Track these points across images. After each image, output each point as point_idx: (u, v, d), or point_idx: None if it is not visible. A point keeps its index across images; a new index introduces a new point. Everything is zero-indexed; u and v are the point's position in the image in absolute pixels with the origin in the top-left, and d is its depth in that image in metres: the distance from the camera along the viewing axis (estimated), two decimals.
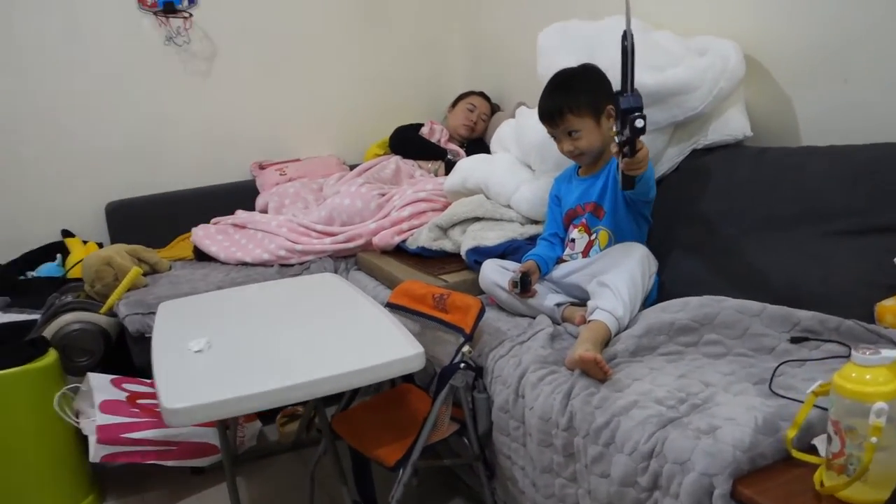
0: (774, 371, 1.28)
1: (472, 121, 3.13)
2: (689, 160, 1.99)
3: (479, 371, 1.63)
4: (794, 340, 1.38)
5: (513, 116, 2.78)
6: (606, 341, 1.49)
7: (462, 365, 1.58)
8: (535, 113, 2.14)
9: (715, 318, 1.44)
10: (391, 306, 1.86)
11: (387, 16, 3.39)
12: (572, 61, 2.10)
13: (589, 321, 1.51)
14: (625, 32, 1.33)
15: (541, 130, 2.07)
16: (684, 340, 1.46)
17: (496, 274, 1.86)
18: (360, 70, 3.37)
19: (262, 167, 3.14)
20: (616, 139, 1.40)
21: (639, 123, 1.32)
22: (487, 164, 2.27)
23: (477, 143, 3.15)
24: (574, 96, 1.74)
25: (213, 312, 1.86)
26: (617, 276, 1.55)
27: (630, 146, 1.38)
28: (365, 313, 1.75)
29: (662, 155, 2.01)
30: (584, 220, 1.81)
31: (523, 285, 1.75)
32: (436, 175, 2.94)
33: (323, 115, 3.33)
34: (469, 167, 2.33)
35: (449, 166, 2.95)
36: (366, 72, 3.38)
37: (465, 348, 1.62)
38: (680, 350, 1.45)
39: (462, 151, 3.07)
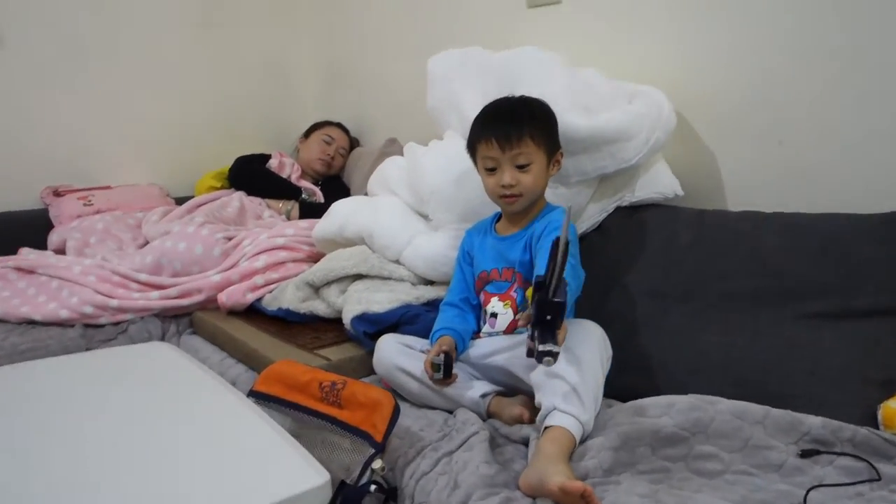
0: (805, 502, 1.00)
1: (328, 155, 2.70)
2: (613, 218, 1.73)
3: (392, 493, 1.20)
4: (805, 454, 1.12)
5: (386, 154, 2.42)
6: (571, 453, 1.14)
7: (373, 487, 1.16)
8: (434, 151, 1.80)
9: (709, 426, 1.15)
10: (257, 396, 1.38)
11: (227, 24, 2.88)
12: (479, 94, 1.79)
13: (547, 428, 1.15)
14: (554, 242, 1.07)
15: (444, 172, 1.73)
16: (671, 453, 1.14)
17: (400, 355, 1.45)
18: (192, 85, 2.82)
19: (58, 194, 2.47)
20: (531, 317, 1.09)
21: (547, 363, 1.07)
22: (372, 210, 1.86)
23: (334, 181, 2.72)
24: (538, 123, 1.42)
25: None
26: (574, 368, 1.20)
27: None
28: (222, 410, 1.25)
29: (583, 211, 1.73)
30: (511, 293, 1.46)
31: (447, 370, 1.36)
32: (288, 217, 2.47)
33: (143, 135, 2.72)
34: (348, 211, 1.90)
35: (304, 207, 2.50)
36: (199, 88, 2.84)
37: (377, 463, 1.19)
38: (666, 467, 1.13)
39: (318, 190, 2.62)
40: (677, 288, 1.52)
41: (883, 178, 1.51)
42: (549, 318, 1.05)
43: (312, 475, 1.02)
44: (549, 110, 1.46)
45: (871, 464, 1.09)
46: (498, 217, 1.58)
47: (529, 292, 1.27)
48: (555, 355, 1.07)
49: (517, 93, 1.59)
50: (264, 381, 1.40)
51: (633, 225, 1.69)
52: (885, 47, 1.46)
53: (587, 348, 1.23)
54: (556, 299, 1.04)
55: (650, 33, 1.87)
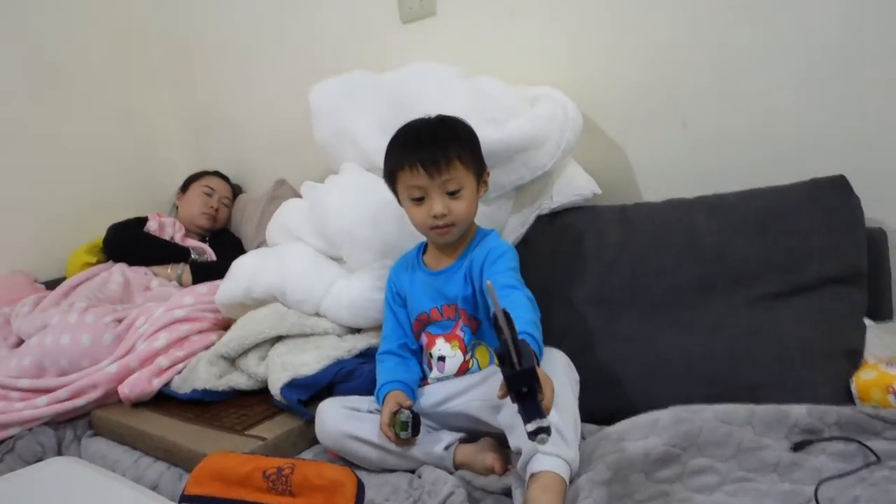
0: (817, 501, 0.94)
1: (212, 207, 2.48)
2: (536, 228, 1.65)
3: None
4: (797, 447, 1.07)
5: (276, 198, 2.25)
6: (564, 497, 1.03)
7: None
8: (337, 187, 1.66)
9: (698, 437, 1.08)
10: (192, 500, 1.19)
11: (73, 89, 2.58)
12: (373, 120, 1.68)
13: (533, 475, 1.04)
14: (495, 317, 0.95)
15: (353, 209, 1.60)
16: (666, 475, 1.06)
17: (347, 420, 1.30)
18: (46, 154, 2.50)
19: None
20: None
21: (541, 441, 0.94)
22: (279, 262, 1.69)
23: (222, 235, 2.51)
24: (464, 144, 1.31)
25: None
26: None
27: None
28: None
29: (505, 225, 1.64)
30: (457, 332, 1.34)
31: (415, 426, 1.23)
32: (180, 283, 2.23)
33: None
34: (252, 268, 1.72)
35: (196, 269, 2.27)
36: (53, 159, 2.52)
37: None
38: (664, 490, 1.05)
39: (208, 248, 2.41)
40: (619, 291, 1.47)
41: (792, 148, 1.51)
42: (525, 389, 0.93)
43: None
44: (470, 128, 1.35)
45: (862, 443, 1.05)
46: (423, 248, 1.46)
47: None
48: (547, 430, 0.94)
49: (415, 113, 1.48)
50: (197, 481, 1.21)
51: (557, 232, 1.62)
52: (783, 11, 1.46)
53: (555, 378, 1.13)
54: (524, 368, 0.92)
55: (533, 33, 1.83)
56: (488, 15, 1.88)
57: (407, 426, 1.22)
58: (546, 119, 1.56)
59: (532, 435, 0.92)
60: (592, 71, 1.74)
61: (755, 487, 1.03)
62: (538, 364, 1.04)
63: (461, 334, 1.33)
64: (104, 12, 2.67)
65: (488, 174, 1.38)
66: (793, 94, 1.49)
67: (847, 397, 1.18)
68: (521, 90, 1.67)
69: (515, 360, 0.92)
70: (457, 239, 1.35)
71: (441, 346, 1.34)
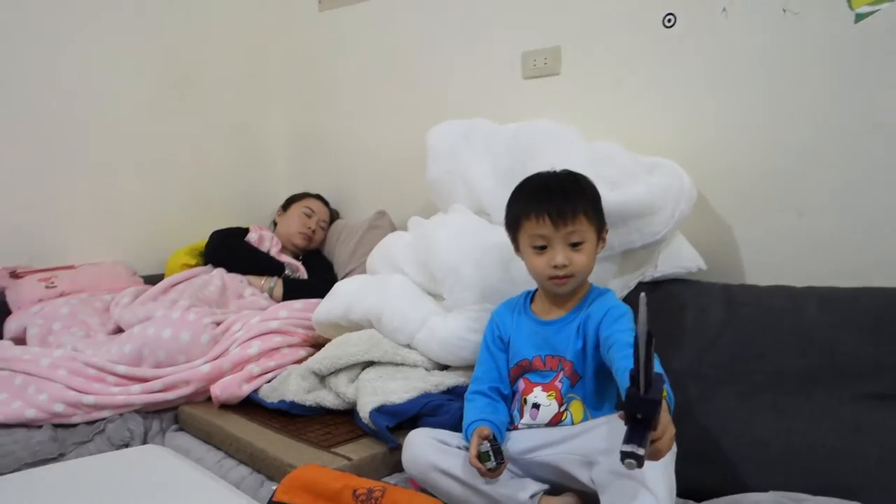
0: None
1: (309, 228, 2.57)
2: (637, 295, 1.65)
3: None
4: None
5: (375, 227, 2.32)
6: None
7: None
8: (447, 226, 1.71)
9: None
10: None
11: (195, 96, 2.74)
12: (489, 167, 1.73)
13: None
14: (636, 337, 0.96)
15: (461, 249, 1.64)
16: None
17: (436, 453, 1.31)
18: (160, 156, 2.65)
19: (15, 275, 2.26)
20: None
21: (629, 466, 0.94)
22: (380, 290, 1.75)
23: (315, 256, 2.60)
24: (590, 201, 1.35)
25: None
26: (647, 467, 1.10)
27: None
28: None
29: (607, 286, 1.66)
30: (556, 383, 1.35)
31: (497, 454, 1.23)
32: (270, 295, 2.32)
33: (106, 210, 2.53)
34: (354, 292, 1.78)
35: (288, 284, 2.36)
36: (166, 159, 2.67)
37: None
38: None
39: (301, 266, 2.49)
40: (717, 368, 1.46)
41: None
42: (638, 416, 0.95)
43: None
44: (594, 185, 1.39)
45: None
46: (531, 296, 1.48)
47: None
48: (638, 458, 0.95)
49: (534, 165, 1.53)
50: (287, 490, 1.25)
51: (657, 300, 1.61)
52: None
53: None
54: (647, 396, 0.94)
55: (653, 105, 1.86)
56: (613, 80, 1.92)
57: (489, 455, 1.22)
58: (662, 188, 1.58)
59: (624, 455, 0.92)
60: (712, 151, 1.75)
61: None
62: (668, 408, 1.04)
63: (559, 385, 1.35)
64: (235, 25, 2.84)
65: (607, 231, 1.40)
66: None
67: None
68: (639, 158, 1.70)
69: (643, 382, 0.93)
70: (570, 291, 1.37)
71: (538, 394, 1.35)
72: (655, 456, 1.00)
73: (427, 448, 1.33)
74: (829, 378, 1.33)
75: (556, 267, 1.31)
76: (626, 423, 0.95)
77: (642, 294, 1.02)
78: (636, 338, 0.97)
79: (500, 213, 1.71)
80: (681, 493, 1.22)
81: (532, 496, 1.26)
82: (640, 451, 0.95)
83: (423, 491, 1.33)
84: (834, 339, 1.36)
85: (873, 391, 1.29)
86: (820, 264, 1.61)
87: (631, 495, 1.08)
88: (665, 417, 0.98)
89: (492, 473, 1.24)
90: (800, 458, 1.27)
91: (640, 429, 0.95)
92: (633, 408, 0.95)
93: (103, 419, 1.75)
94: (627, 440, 0.95)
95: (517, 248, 1.41)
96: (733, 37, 1.69)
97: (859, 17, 1.53)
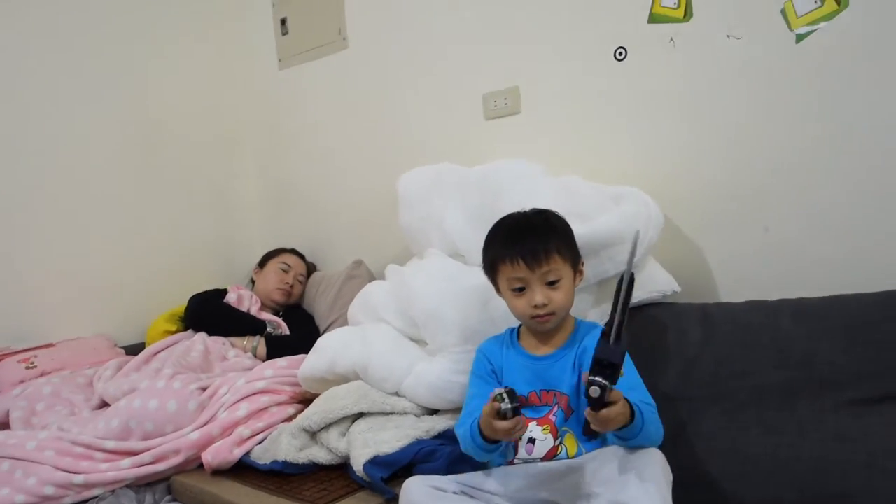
0: None
1: (287, 283, 2.58)
2: None
3: None
4: None
5: (352, 277, 2.34)
6: None
7: None
8: (423, 271, 1.74)
9: None
10: None
11: (164, 157, 2.75)
12: (460, 210, 1.77)
13: None
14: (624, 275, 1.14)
15: (438, 293, 1.66)
16: None
17: (432, 500, 1.30)
18: (134, 226, 2.66)
19: None
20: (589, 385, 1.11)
21: (594, 392, 1.10)
22: (363, 341, 1.76)
23: (295, 311, 2.60)
24: (562, 238, 1.37)
25: None
26: (644, 495, 1.12)
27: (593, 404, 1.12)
28: None
29: (585, 318, 1.68)
30: (550, 417, 1.37)
31: (514, 399, 1.19)
32: (254, 354, 2.31)
33: (82, 283, 2.51)
34: (338, 345, 1.79)
35: (270, 342, 2.35)
36: (140, 228, 2.68)
37: None
38: None
39: (282, 322, 2.49)
40: (701, 389, 1.48)
41: (872, 258, 1.54)
42: (605, 362, 1.08)
43: None
44: (565, 220, 1.42)
45: None
46: (517, 332, 1.49)
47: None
48: (603, 387, 1.08)
49: (503, 204, 1.57)
50: None
51: (637, 326, 1.64)
52: (867, 133, 1.53)
53: (652, 472, 1.15)
54: (617, 347, 1.08)
55: (608, 134, 1.92)
56: (571, 116, 1.98)
57: (503, 397, 1.18)
58: (630, 217, 1.62)
59: (590, 384, 1.08)
60: (670, 171, 1.81)
61: None
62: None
63: (553, 419, 1.36)
64: (200, 87, 2.87)
65: (583, 264, 1.43)
66: (874, 204, 1.53)
67: None
68: (603, 188, 1.74)
69: (615, 332, 1.09)
70: (555, 327, 1.39)
71: (533, 429, 1.36)
72: (604, 425, 1.14)
73: (424, 496, 1.32)
74: (810, 388, 1.36)
75: (535, 307, 1.34)
76: (591, 370, 1.09)
77: (637, 230, 1.20)
78: (619, 284, 1.11)
79: (475, 255, 1.74)
80: None
81: None
82: (605, 383, 1.08)
83: None
84: (810, 349, 1.39)
85: (854, 398, 1.32)
86: (789, 276, 1.66)
87: None
88: (617, 394, 1.12)
89: (506, 423, 1.19)
90: (789, 471, 1.29)
91: (607, 372, 1.08)
92: (603, 353, 1.08)
93: (94, 497, 1.72)
94: (594, 374, 1.09)
95: (497, 291, 1.43)
96: (684, 65, 1.76)
97: (800, 38, 1.60)
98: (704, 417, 1.44)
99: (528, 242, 1.34)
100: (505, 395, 1.19)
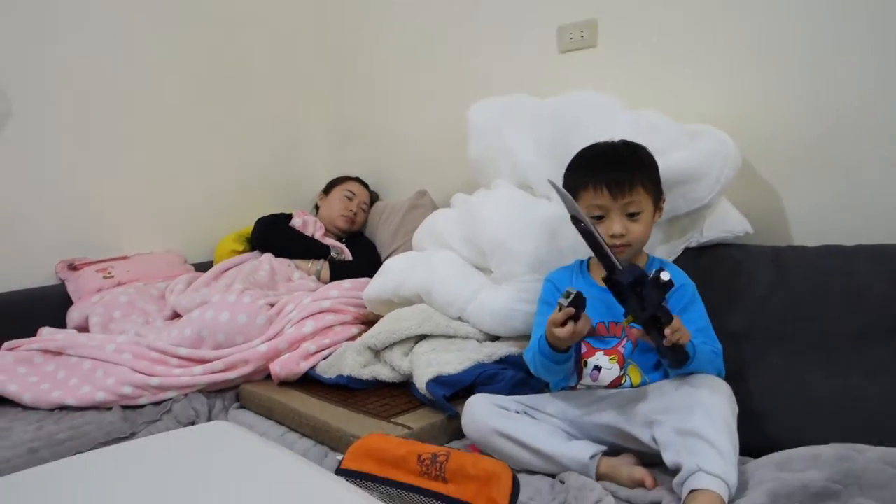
0: None
1: (351, 210, 2.62)
2: (683, 260, 1.67)
3: None
4: None
5: (416, 206, 2.36)
6: None
7: None
8: (493, 201, 1.74)
9: (861, 477, 1.08)
10: (347, 474, 1.28)
11: (236, 89, 2.81)
12: (531, 141, 1.75)
13: (693, 492, 1.07)
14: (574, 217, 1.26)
15: (507, 223, 1.67)
16: None
17: (496, 418, 1.35)
18: (204, 147, 2.73)
19: (74, 268, 2.34)
20: (633, 324, 1.22)
21: (665, 276, 1.17)
22: (429, 266, 1.79)
23: (358, 238, 2.65)
24: (647, 171, 1.37)
25: None
26: (710, 424, 1.13)
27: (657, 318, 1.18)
28: (328, 497, 1.14)
29: (653, 253, 1.68)
30: (619, 349, 1.38)
31: (580, 300, 1.24)
32: (318, 277, 2.37)
33: (156, 201, 2.61)
34: (403, 269, 1.83)
35: (334, 266, 2.41)
36: (210, 149, 2.74)
37: None
38: None
39: (345, 248, 2.54)
40: (768, 330, 1.47)
41: None
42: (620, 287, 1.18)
43: None
44: (652, 155, 1.41)
45: None
46: (586, 264, 1.50)
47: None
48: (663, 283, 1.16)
49: (577, 137, 1.55)
50: (354, 458, 1.30)
51: (705, 265, 1.64)
52: None
53: (718, 402, 1.16)
54: (616, 276, 1.18)
55: (696, 73, 1.86)
56: (646, 50, 1.93)
57: (568, 294, 1.23)
58: (707, 154, 1.59)
59: (654, 282, 1.16)
60: (749, 112, 1.76)
61: None
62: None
63: (622, 350, 1.37)
64: (268, 19, 2.89)
65: (664, 201, 1.42)
66: None
67: None
68: (682, 125, 1.71)
69: (610, 264, 1.20)
70: (628, 259, 1.39)
71: (600, 357, 1.37)
72: (679, 333, 1.17)
73: (488, 413, 1.37)
74: (882, 334, 1.34)
75: (612, 236, 1.34)
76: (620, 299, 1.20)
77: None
78: (588, 230, 1.19)
79: (545, 187, 1.75)
80: (740, 450, 1.25)
81: (592, 457, 1.29)
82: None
83: (483, 455, 1.38)
84: (886, 295, 1.36)
85: None
86: (868, 224, 1.61)
87: (695, 452, 1.11)
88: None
89: (560, 315, 1.23)
90: (855, 413, 1.28)
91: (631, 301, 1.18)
92: (614, 286, 1.20)
93: (169, 399, 1.81)
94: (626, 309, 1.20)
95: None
96: (773, 4, 1.69)
97: None
98: (770, 357, 1.43)
99: (613, 171, 1.33)
100: (572, 292, 1.24)
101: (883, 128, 1.57)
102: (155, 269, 2.42)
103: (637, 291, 1.17)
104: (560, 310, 1.23)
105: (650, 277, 1.16)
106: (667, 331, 1.16)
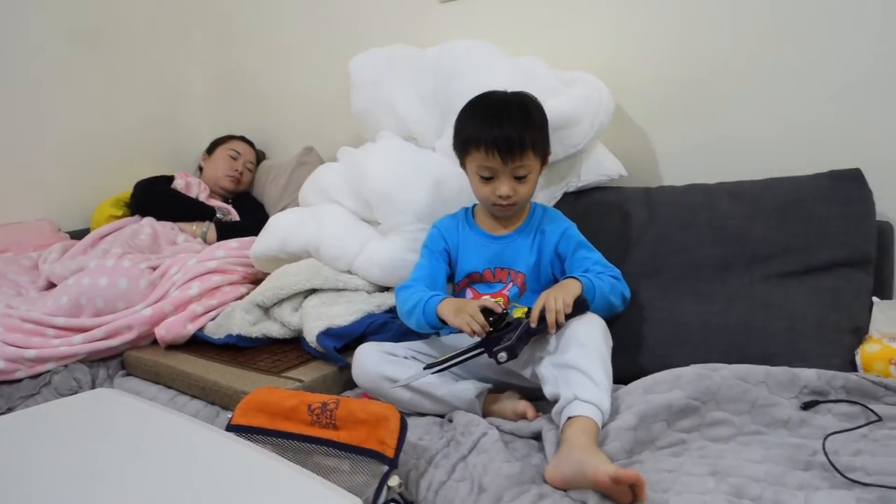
0: (825, 452, 1.04)
1: (236, 170, 2.55)
2: (563, 204, 1.74)
3: None
4: (806, 406, 1.17)
5: (303, 163, 2.32)
6: (597, 439, 1.12)
7: None
8: (376, 153, 1.74)
9: (717, 393, 1.17)
10: (237, 430, 1.27)
11: (108, 42, 2.64)
12: (413, 92, 1.76)
13: (570, 419, 1.13)
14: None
15: (391, 174, 1.67)
16: (685, 425, 1.16)
17: (385, 364, 1.38)
18: (77, 107, 2.57)
19: None
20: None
21: (501, 357, 1.24)
22: (315, 220, 1.77)
23: (244, 198, 2.58)
24: (536, 131, 1.37)
25: None
26: (585, 356, 1.19)
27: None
28: (216, 451, 1.14)
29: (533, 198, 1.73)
30: (504, 292, 1.42)
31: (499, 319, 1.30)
32: (204, 240, 2.31)
33: (25, 167, 2.45)
34: (290, 224, 1.80)
35: (220, 227, 2.35)
36: (84, 114, 2.59)
37: (393, 480, 1.12)
38: (682, 439, 1.15)
39: (232, 209, 2.48)
40: (642, 265, 1.55)
41: (809, 144, 1.61)
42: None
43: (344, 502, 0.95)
44: (544, 111, 1.42)
45: (865, 406, 1.15)
46: (471, 212, 1.53)
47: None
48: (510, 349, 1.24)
49: (459, 86, 1.57)
50: (244, 413, 1.29)
51: (583, 208, 1.71)
52: (812, 22, 1.55)
53: (593, 335, 1.22)
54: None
55: (567, 19, 1.90)
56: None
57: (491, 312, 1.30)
58: (582, 100, 1.64)
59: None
60: (619, 56, 1.83)
61: (766, 440, 1.12)
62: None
63: (507, 294, 1.42)
64: None
65: (550, 154, 1.45)
66: (815, 97, 1.58)
67: (852, 369, 1.28)
68: (560, 73, 1.75)
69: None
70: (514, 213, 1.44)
71: (485, 301, 1.41)
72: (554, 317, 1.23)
73: (376, 360, 1.39)
74: (742, 263, 1.45)
75: (500, 196, 1.37)
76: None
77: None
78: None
79: (428, 137, 1.76)
80: (617, 380, 1.33)
81: (478, 395, 1.34)
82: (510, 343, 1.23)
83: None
84: (744, 227, 1.47)
85: (780, 271, 1.41)
86: (730, 162, 1.71)
87: (571, 382, 1.17)
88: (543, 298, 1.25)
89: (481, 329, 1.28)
90: (717, 336, 1.39)
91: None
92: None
93: (48, 372, 1.74)
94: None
95: (462, 166, 1.44)
96: None
97: None
98: (642, 290, 1.52)
99: (504, 130, 1.32)
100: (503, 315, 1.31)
101: (741, 74, 1.66)
102: (26, 239, 2.29)
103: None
104: (483, 329, 1.28)
105: (519, 332, 1.24)
106: (548, 324, 1.23)
